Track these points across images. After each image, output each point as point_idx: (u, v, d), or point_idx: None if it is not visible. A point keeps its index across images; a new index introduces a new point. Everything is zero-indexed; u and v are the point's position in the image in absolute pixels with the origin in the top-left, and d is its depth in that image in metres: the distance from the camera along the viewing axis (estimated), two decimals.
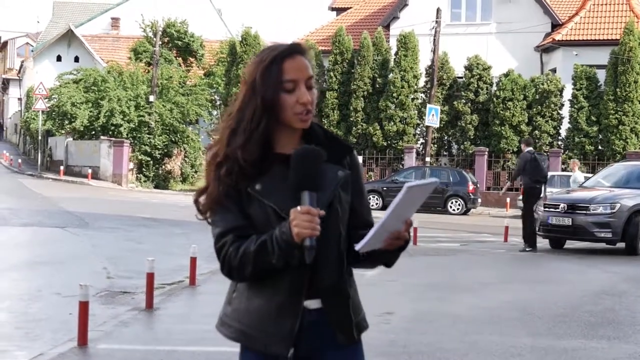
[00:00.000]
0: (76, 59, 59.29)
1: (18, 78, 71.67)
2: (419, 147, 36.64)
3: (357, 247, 2.65)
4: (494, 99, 35.35)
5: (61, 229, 18.18)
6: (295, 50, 2.74)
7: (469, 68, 36.28)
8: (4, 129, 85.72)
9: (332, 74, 37.65)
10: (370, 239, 2.62)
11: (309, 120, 2.74)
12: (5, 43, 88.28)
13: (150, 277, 9.24)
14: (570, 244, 17.99)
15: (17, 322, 8.76)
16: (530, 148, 17.80)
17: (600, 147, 34.39)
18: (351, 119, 36.86)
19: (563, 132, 35.45)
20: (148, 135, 39.37)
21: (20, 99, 67.52)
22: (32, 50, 67.67)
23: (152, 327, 8.56)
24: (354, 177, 2.82)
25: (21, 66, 70.07)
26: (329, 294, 2.74)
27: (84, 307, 7.30)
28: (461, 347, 7.53)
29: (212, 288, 11.03)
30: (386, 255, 2.75)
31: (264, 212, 2.68)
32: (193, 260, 11.10)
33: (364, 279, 9.52)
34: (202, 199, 2.79)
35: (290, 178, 2.64)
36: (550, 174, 30.55)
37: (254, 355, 2.78)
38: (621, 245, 16.64)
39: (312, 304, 2.73)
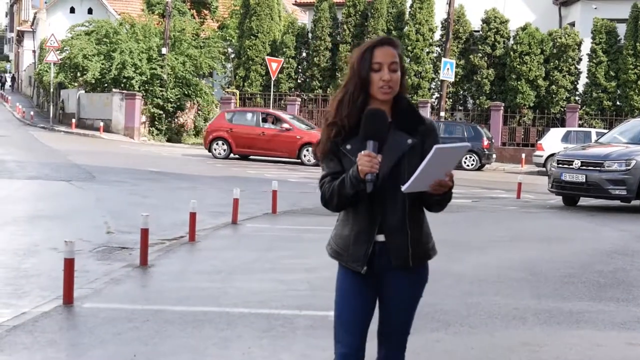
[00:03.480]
0: (89, 11, 58.83)
1: (32, 30, 71.26)
2: (434, 102, 36.13)
3: (403, 188, 3.47)
4: (511, 53, 34.74)
5: (66, 182, 17.94)
6: (384, 42, 3.68)
7: (486, 21, 35.63)
8: (20, 81, 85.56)
9: (345, 26, 37.09)
10: (412, 183, 3.42)
11: (390, 94, 3.63)
12: None
13: (144, 232, 8.96)
14: (583, 201, 17.61)
15: (8, 279, 8.50)
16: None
17: (618, 103, 33.80)
18: None
19: (580, 87, 34.85)
20: (160, 88, 38.92)
21: (34, 51, 67.16)
22: (45, 2, 67.15)
23: (144, 285, 8.29)
24: (427, 143, 3.61)
25: (34, 18, 69.60)
26: (391, 231, 3.66)
27: (69, 264, 7.03)
28: (462, 309, 7.22)
29: (211, 244, 10.78)
30: (435, 199, 3.59)
31: (351, 164, 3.56)
32: (192, 216, 10.80)
33: None
34: (317, 149, 3.76)
35: (360, 130, 3.55)
36: (566, 129, 30.25)
37: (343, 269, 3.78)
38: (636, 202, 16.27)
39: (381, 237, 3.67)
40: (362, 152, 3.49)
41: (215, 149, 29.13)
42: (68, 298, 7.03)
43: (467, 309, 7.20)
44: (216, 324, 6.51)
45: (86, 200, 15.39)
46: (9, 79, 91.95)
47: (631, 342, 6.41)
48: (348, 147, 3.63)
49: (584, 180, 16.15)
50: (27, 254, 9.93)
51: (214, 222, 12.99)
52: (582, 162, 16.37)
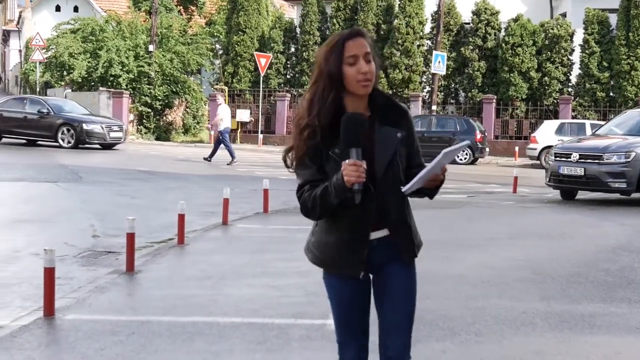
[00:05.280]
0: (75, 9, 58.26)
1: (17, 29, 70.59)
2: (425, 96, 35.75)
3: (403, 189, 3.44)
4: (503, 45, 34.37)
5: (52, 184, 17.47)
6: (355, 33, 3.50)
7: (476, 13, 35.25)
8: (7, 81, 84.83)
9: (334, 20, 36.63)
10: (413, 184, 3.41)
11: (369, 87, 3.46)
12: None
13: (130, 237, 8.53)
14: (582, 194, 17.24)
15: None
16: None
17: (611, 94, 33.47)
18: None
19: (573, 79, 34.51)
20: (148, 86, 38.42)
21: (20, 51, 66.51)
22: (31, 1, 66.46)
23: (130, 293, 7.85)
24: (409, 133, 3.57)
25: (19, 17, 68.95)
26: (395, 225, 3.54)
27: (49, 274, 6.59)
28: (467, 314, 6.80)
29: (201, 247, 10.34)
30: (426, 191, 3.55)
31: (338, 170, 3.32)
32: (181, 218, 10.36)
33: None
34: (289, 155, 3.53)
35: (341, 138, 3.33)
36: (560, 121, 29.89)
37: (333, 276, 3.59)
38: (636, 195, 15.91)
39: (380, 233, 3.53)
40: (347, 161, 3.29)
41: None
42: (49, 310, 6.60)
43: (472, 315, 6.79)
44: (206, 336, 6.09)
45: (71, 202, 14.94)
46: None
47: None
48: (337, 151, 3.41)
49: (583, 174, 15.79)
50: (7, 261, 9.48)
51: (204, 222, 12.57)
52: (580, 155, 16.02)
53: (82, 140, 29.02)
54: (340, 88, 3.44)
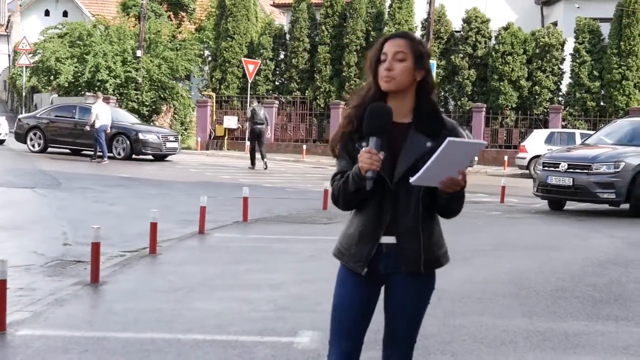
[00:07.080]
0: (65, 14, 57.80)
1: (6, 34, 70.12)
2: None
3: (411, 179, 3.35)
4: (493, 54, 34.05)
5: (29, 190, 17.09)
6: (396, 35, 3.61)
7: (467, 21, 34.94)
8: None
9: (323, 27, 36.27)
10: (421, 175, 3.31)
11: (390, 85, 3.51)
12: None
13: (95, 247, 8.14)
14: (570, 205, 16.90)
15: None
16: (256, 103, 27.76)
17: (602, 103, 33.16)
18: (344, 74, 35.57)
19: (564, 88, 34.22)
20: (135, 92, 37.97)
21: (9, 55, 66.04)
22: (20, 5, 66.03)
23: (91, 306, 7.45)
24: None
25: (8, 21, 68.49)
26: (402, 233, 3.51)
27: (0, 286, 6.20)
28: (444, 332, 6.43)
29: (173, 257, 9.94)
30: (444, 198, 3.45)
31: None
32: (153, 226, 9.98)
33: None
34: (333, 144, 3.63)
35: (364, 125, 3.42)
36: (549, 130, 29.61)
37: (344, 271, 3.64)
38: (625, 206, 15.58)
39: (389, 239, 3.53)
40: (363, 148, 3.40)
41: None
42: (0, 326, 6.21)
43: (450, 333, 6.42)
44: (164, 355, 5.70)
45: (47, 209, 14.53)
46: None
47: None
48: (364, 144, 3.48)
49: (571, 184, 15.45)
50: None
51: (181, 231, 12.19)
52: (568, 164, 15.68)
53: (137, 150, 27.30)
54: (378, 86, 3.54)
